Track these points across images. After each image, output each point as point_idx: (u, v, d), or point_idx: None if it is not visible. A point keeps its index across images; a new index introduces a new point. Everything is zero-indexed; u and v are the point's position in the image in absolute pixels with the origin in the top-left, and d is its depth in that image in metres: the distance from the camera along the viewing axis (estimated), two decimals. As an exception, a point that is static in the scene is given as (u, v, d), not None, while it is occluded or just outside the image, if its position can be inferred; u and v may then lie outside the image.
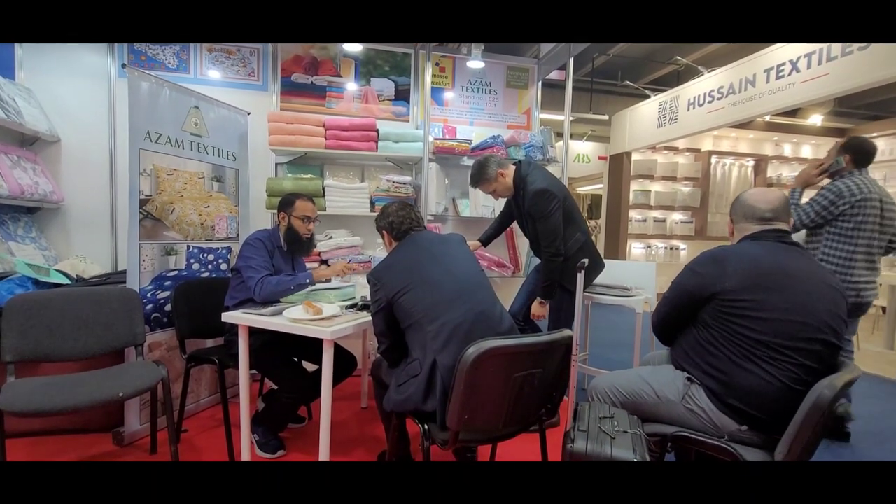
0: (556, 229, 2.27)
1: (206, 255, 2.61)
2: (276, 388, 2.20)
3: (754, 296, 1.34)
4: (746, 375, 1.34)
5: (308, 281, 2.10)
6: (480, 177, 2.43)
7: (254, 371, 2.03)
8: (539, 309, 2.40)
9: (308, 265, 2.97)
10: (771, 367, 1.32)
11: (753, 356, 1.34)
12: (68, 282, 2.33)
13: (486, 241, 2.78)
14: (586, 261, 1.67)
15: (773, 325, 1.32)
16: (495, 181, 2.41)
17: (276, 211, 2.28)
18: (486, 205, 3.33)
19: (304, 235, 2.23)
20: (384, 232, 1.82)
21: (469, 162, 3.39)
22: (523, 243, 3.41)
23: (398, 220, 1.77)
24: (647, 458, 1.23)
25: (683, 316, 1.51)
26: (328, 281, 2.25)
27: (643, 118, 6.44)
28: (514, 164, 2.44)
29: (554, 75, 3.82)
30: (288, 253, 2.27)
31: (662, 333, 1.62)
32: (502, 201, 3.33)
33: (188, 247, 2.50)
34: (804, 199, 2.45)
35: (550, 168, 3.52)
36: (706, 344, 1.42)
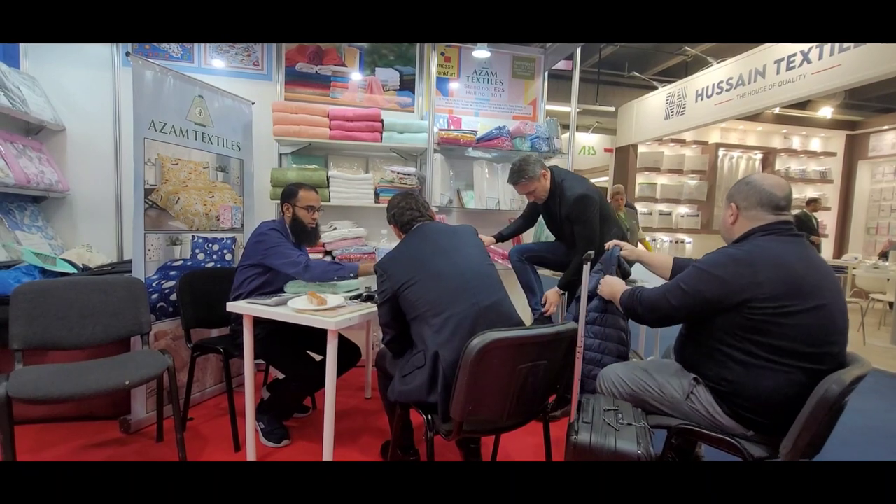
0: (594, 233, 2.26)
1: (210, 245, 2.61)
2: (281, 377, 2.21)
3: (786, 302, 1.24)
4: (764, 384, 1.28)
5: (352, 274, 2.09)
6: (523, 174, 2.29)
7: (258, 361, 2.03)
8: (555, 297, 2.40)
9: (312, 258, 2.98)
10: (791, 374, 1.26)
11: (776, 364, 1.26)
12: (74, 271, 2.34)
13: (502, 239, 2.74)
14: (592, 253, 1.66)
15: (802, 331, 1.25)
16: (538, 181, 2.31)
17: (279, 202, 2.27)
18: (490, 196, 3.31)
19: (310, 225, 2.23)
20: (392, 224, 1.81)
21: (475, 153, 3.37)
22: (527, 239, 3.40)
23: (399, 212, 1.76)
24: (651, 451, 1.23)
25: (691, 320, 1.42)
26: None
27: (650, 110, 6.38)
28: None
29: (560, 66, 3.77)
30: (296, 244, 2.26)
31: (657, 324, 1.52)
32: (506, 194, 3.33)
33: (193, 237, 2.50)
34: None
35: (556, 160, 3.50)
36: (721, 356, 1.34)
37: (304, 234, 2.24)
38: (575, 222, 2.29)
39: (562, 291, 2.40)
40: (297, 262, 2.02)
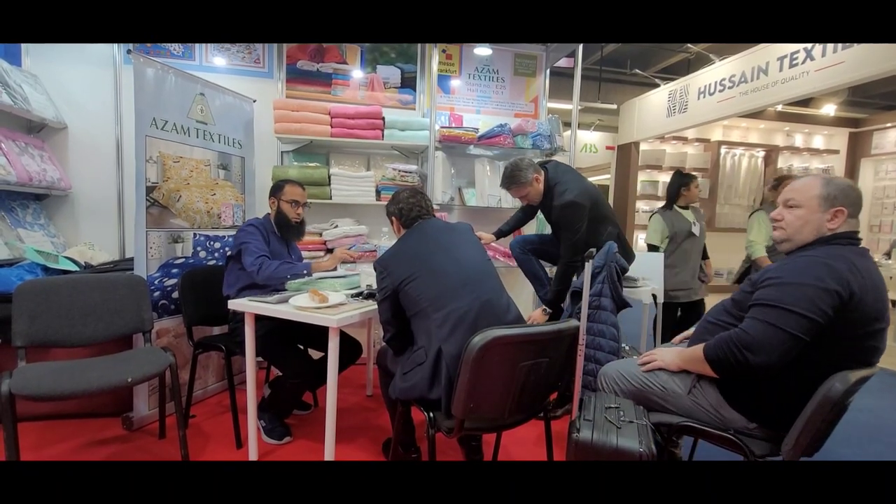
0: (577, 244, 2.18)
1: (212, 242, 2.62)
2: (281, 374, 2.21)
3: (865, 321, 1.20)
4: (802, 392, 1.23)
5: (305, 272, 2.10)
6: (514, 180, 2.26)
7: (260, 358, 2.04)
8: (540, 317, 2.33)
9: (314, 255, 2.98)
10: (819, 379, 1.21)
11: (814, 376, 1.22)
12: (77, 268, 2.34)
13: (502, 235, 2.71)
14: (594, 250, 1.65)
15: (866, 353, 1.22)
16: (529, 186, 2.26)
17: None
18: (492, 194, 3.31)
19: (294, 220, 2.26)
20: (393, 218, 1.81)
21: (476, 151, 3.36)
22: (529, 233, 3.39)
23: (407, 207, 1.76)
24: (653, 449, 1.23)
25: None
26: (335, 269, 2.25)
27: (652, 107, 6.35)
28: (543, 166, 2.35)
29: (562, 63, 3.76)
30: (283, 239, 2.29)
31: (779, 368, 1.22)
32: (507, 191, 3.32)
33: (194, 234, 2.50)
34: None
35: (557, 158, 3.49)
36: None
37: (288, 229, 2.27)
38: (561, 229, 2.25)
39: (549, 310, 2.30)
40: (253, 264, 2.04)
